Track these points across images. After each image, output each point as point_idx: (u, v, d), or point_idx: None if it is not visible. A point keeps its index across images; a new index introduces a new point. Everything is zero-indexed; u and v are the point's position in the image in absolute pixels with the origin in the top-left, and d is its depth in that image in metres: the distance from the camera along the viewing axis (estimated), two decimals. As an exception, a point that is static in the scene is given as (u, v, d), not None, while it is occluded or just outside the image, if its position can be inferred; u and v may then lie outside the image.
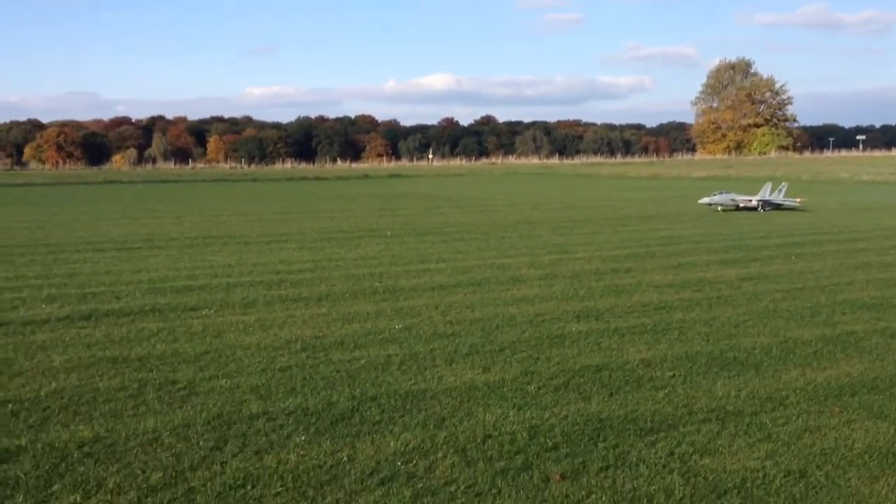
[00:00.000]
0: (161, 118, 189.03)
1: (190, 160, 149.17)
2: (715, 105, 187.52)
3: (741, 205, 48.17)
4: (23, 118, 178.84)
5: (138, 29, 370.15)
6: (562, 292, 20.47)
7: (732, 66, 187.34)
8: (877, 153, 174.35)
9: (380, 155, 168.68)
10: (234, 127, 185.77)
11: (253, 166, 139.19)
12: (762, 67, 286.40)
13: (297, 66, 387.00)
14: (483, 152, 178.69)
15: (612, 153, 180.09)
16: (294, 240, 32.65)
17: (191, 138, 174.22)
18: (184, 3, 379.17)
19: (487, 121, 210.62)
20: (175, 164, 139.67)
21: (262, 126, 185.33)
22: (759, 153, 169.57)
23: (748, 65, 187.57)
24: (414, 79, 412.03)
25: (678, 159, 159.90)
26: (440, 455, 9.86)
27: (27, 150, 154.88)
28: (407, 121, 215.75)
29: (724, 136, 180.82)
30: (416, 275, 23.27)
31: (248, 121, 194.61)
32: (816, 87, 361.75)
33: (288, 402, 11.73)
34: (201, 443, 10.18)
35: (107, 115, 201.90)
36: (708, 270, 24.16)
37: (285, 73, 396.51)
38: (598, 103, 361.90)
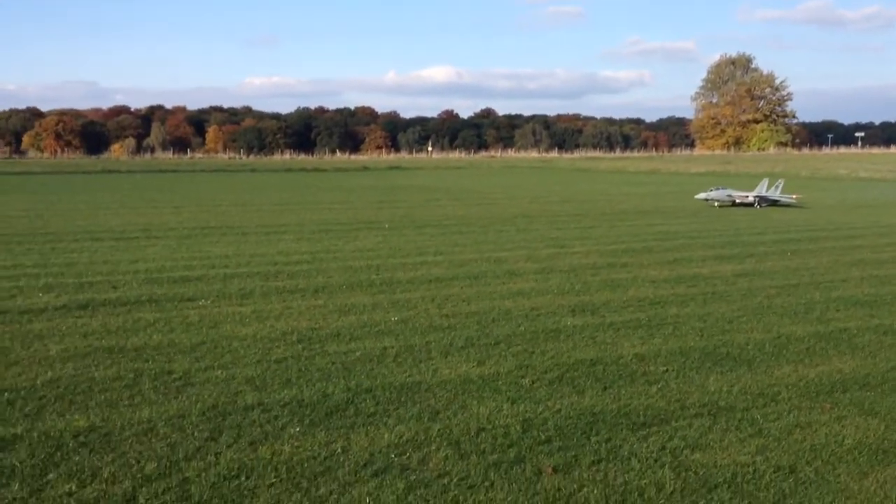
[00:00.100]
0: (160, 108, 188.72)
1: (189, 150, 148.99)
2: (714, 100, 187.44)
3: (738, 201, 48.21)
4: (22, 106, 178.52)
5: (138, 17, 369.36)
6: (558, 286, 20.54)
7: (733, 62, 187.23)
8: (875, 150, 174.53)
9: (379, 147, 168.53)
10: (233, 117, 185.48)
11: (252, 157, 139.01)
12: (763, 63, 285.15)
13: (297, 56, 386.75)
14: (482, 145, 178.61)
15: (611, 147, 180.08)
16: (292, 231, 32.69)
17: (190, 128, 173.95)
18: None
19: (487, 114, 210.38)
20: (174, 153, 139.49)
21: (262, 116, 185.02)
22: (758, 149, 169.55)
23: (748, 60, 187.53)
24: (414, 71, 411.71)
25: (677, 154, 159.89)
26: (434, 447, 9.93)
27: (26, 139, 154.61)
28: (407, 113, 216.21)
29: (723, 131, 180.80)
30: (414, 267, 23.33)
31: (247, 111, 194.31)
32: (817, 84, 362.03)
33: (283, 394, 11.80)
34: (196, 433, 10.25)
35: (106, 104, 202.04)
36: (703, 266, 24.23)
37: (285, 63, 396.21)
38: (597, 97, 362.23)
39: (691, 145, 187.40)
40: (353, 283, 20.61)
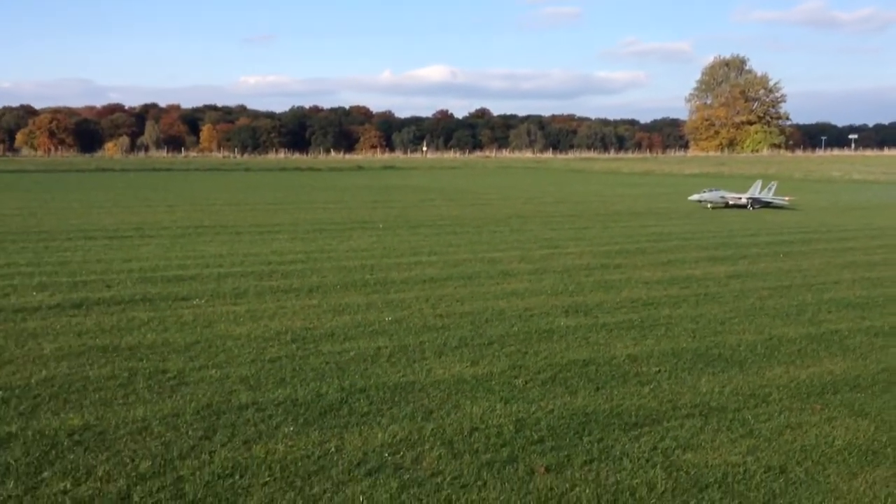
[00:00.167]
0: (154, 106, 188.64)
1: (183, 149, 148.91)
2: (709, 102, 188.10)
3: (731, 202, 48.38)
4: (15, 104, 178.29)
5: (134, 15, 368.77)
6: (551, 287, 20.61)
7: (727, 63, 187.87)
8: (869, 152, 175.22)
9: (374, 146, 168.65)
10: (227, 116, 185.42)
11: (246, 156, 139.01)
12: (758, 65, 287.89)
13: (292, 55, 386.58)
14: (477, 145, 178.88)
15: (605, 148, 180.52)
16: (286, 230, 32.71)
17: (184, 126, 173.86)
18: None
19: (482, 114, 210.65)
20: (168, 152, 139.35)
21: (256, 115, 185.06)
22: (752, 151, 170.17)
23: (742, 62, 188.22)
24: (409, 70, 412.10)
25: (671, 156, 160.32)
26: (427, 447, 9.99)
27: (19, 137, 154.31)
28: (401, 112, 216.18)
29: (717, 132, 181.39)
30: (408, 267, 23.38)
31: (241, 110, 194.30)
32: (811, 86, 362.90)
33: (277, 393, 11.84)
34: (190, 432, 10.29)
35: (100, 102, 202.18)
36: (696, 267, 24.33)
37: (280, 62, 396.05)
38: (592, 98, 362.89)
39: (685, 146, 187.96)
40: (347, 283, 20.66)
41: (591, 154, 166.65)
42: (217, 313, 16.98)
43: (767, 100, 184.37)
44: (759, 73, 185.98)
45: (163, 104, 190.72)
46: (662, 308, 18.30)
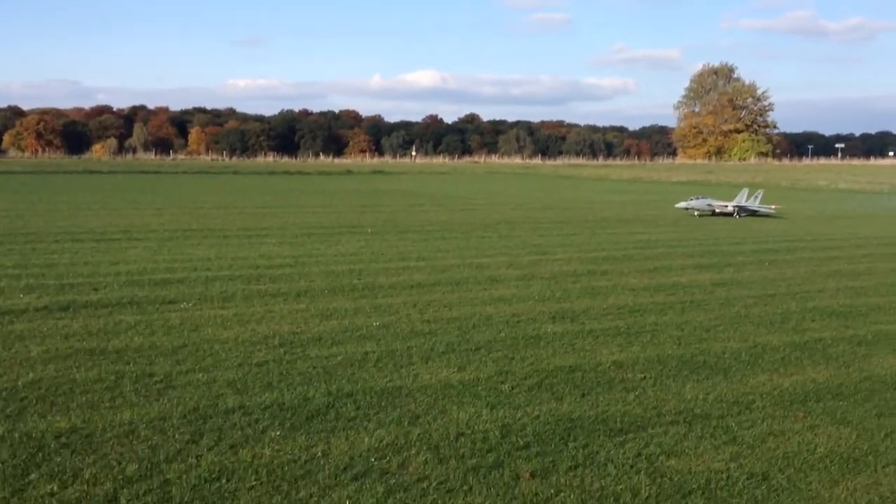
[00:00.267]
0: (143, 108, 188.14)
1: (171, 151, 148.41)
2: (697, 109, 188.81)
3: (717, 210, 48.66)
4: (3, 105, 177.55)
5: (123, 17, 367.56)
6: (539, 293, 20.71)
7: (715, 71, 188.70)
8: (855, 161, 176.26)
9: (363, 151, 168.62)
10: (216, 119, 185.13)
11: (234, 159, 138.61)
12: (746, 73, 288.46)
13: (282, 58, 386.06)
14: (466, 150, 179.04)
15: (594, 155, 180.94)
16: (274, 234, 32.70)
17: (172, 129, 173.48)
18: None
19: (472, 119, 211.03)
20: (155, 154, 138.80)
21: (245, 118, 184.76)
22: (740, 159, 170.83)
23: (731, 70, 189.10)
24: (400, 75, 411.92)
25: (659, 163, 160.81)
26: (413, 452, 10.05)
27: (6, 138, 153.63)
28: (391, 117, 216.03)
29: (704, 140, 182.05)
30: (396, 272, 23.44)
31: (230, 113, 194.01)
32: (799, 94, 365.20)
33: (264, 397, 11.88)
34: (177, 436, 10.31)
35: (88, 104, 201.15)
36: (682, 275, 24.49)
37: (270, 65, 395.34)
38: (581, 104, 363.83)
39: (673, 154, 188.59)
40: (335, 288, 20.70)
41: (580, 160, 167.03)
42: (204, 317, 16.99)
43: (755, 108, 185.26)
44: (747, 82, 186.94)
45: (151, 106, 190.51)
46: (648, 315, 18.43)
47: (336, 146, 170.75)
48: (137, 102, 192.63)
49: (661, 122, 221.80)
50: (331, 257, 26.36)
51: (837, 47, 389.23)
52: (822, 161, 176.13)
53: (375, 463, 9.68)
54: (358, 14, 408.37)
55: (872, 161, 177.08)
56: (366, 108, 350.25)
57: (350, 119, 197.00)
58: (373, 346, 14.90)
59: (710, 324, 17.72)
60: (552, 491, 9.15)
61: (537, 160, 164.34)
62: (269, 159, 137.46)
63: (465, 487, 9.15)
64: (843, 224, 45.66)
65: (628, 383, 13.17)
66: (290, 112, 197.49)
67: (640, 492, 9.20)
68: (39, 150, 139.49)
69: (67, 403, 11.36)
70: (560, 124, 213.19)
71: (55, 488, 8.75)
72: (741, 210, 48.59)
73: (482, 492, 9.06)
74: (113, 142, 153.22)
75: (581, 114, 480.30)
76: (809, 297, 21.26)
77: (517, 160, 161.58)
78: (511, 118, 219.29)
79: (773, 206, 50.53)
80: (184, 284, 20.64)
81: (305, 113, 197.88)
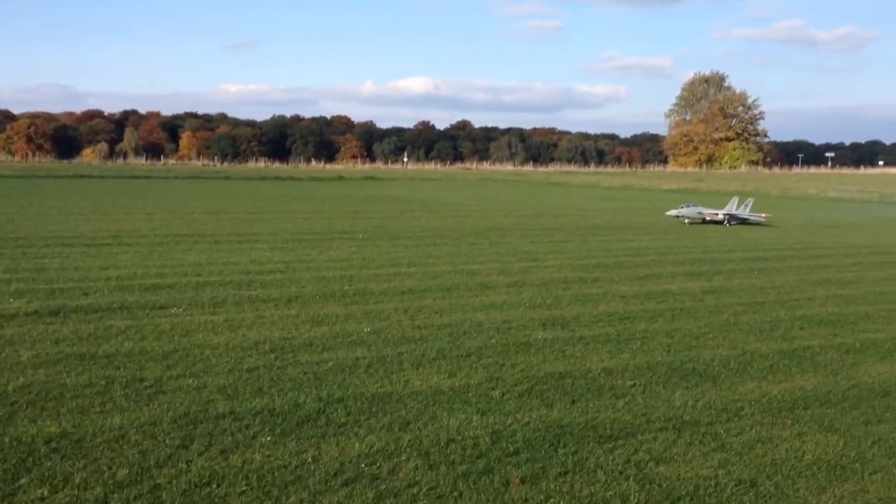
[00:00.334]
0: (134, 112, 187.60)
1: (162, 156, 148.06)
2: (688, 118, 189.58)
3: (707, 218, 48.86)
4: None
5: (114, 21, 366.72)
6: (530, 300, 20.77)
7: (706, 80, 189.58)
8: (845, 170, 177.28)
9: (354, 156, 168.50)
10: (207, 123, 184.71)
11: (226, 164, 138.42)
12: (738, 82, 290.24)
13: (274, 63, 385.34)
14: (458, 157, 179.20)
15: (585, 162, 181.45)
16: (265, 240, 32.69)
17: (163, 134, 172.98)
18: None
19: (463, 125, 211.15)
20: (146, 159, 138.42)
21: (237, 123, 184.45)
22: (730, 167, 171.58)
23: (721, 79, 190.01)
24: (392, 81, 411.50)
25: (650, 171, 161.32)
26: (404, 458, 10.08)
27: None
28: (383, 123, 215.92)
29: (695, 148, 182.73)
30: (387, 278, 23.47)
31: (222, 118, 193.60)
32: (790, 103, 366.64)
33: (255, 403, 11.89)
34: (167, 441, 10.32)
35: (79, 108, 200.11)
36: (673, 282, 24.59)
37: (262, 70, 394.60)
38: (573, 112, 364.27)
39: (664, 162, 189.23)
40: (326, 294, 20.71)
41: (572, 168, 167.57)
42: (195, 322, 16.99)
43: (746, 117, 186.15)
44: (737, 90, 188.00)
45: (142, 111, 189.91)
46: (638, 322, 18.51)
47: (328, 152, 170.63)
48: (129, 107, 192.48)
49: (653, 130, 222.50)
50: (322, 263, 26.37)
51: (828, 56, 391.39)
52: (812, 170, 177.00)
53: (366, 469, 9.71)
54: (350, 20, 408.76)
55: (862, 170, 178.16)
56: (358, 114, 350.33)
57: (342, 125, 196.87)
58: (364, 352, 14.93)
59: (699, 331, 17.81)
60: (542, 497, 9.19)
61: (529, 167, 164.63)
62: (260, 165, 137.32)
63: (456, 493, 9.18)
64: (833, 233, 45.91)
65: (618, 390, 13.23)
66: (282, 117, 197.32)
67: (630, 498, 9.25)
68: (30, 154, 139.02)
69: (58, 408, 11.35)
70: (552, 131, 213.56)
71: (46, 493, 8.75)
72: (731, 218, 48.81)
73: (472, 497, 9.10)
74: (104, 146, 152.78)
75: (572, 121, 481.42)
76: (798, 306, 21.38)
77: (509, 167, 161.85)
78: (503, 125, 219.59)
79: (763, 215, 50.77)
80: (174, 290, 20.63)
81: (297, 118, 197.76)
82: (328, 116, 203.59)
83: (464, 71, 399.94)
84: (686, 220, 48.69)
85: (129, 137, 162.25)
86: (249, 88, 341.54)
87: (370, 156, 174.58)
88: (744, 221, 49.38)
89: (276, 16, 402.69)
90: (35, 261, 24.86)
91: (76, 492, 8.81)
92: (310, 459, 9.91)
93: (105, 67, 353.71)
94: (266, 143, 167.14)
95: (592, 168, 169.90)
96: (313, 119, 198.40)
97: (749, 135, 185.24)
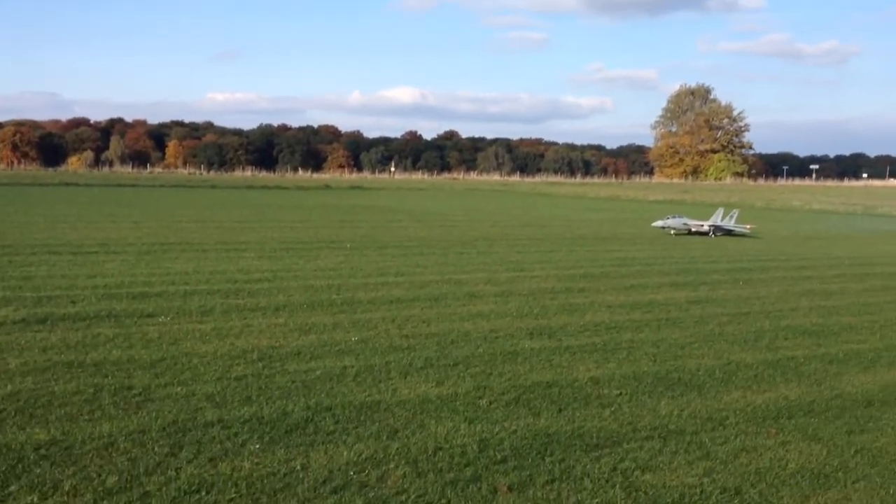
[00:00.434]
0: (120, 120, 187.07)
1: (148, 164, 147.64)
2: (674, 129, 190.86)
3: (693, 229, 49.15)
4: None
5: (101, 29, 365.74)
6: (517, 309, 20.88)
7: (692, 92, 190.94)
8: (829, 182, 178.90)
9: (341, 166, 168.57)
10: (194, 132, 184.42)
11: (212, 173, 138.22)
12: (724, 94, 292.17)
13: (261, 72, 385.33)
14: (445, 167, 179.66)
15: (572, 173, 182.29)
16: (253, 249, 32.67)
17: (150, 142, 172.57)
18: (150, 4, 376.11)
19: (451, 136, 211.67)
20: (133, 168, 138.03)
21: (223, 132, 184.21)
22: (715, 179, 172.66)
23: (707, 91, 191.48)
24: (379, 91, 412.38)
25: (636, 182, 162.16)
26: (392, 465, 10.14)
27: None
28: (370, 133, 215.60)
29: (681, 160, 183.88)
30: (374, 288, 23.53)
31: (208, 126, 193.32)
32: (775, 116, 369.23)
33: (243, 411, 11.93)
34: (157, 448, 10.35)
35: (65, 116, 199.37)
36: (658, 292, 24.76)
37: (249, 79, 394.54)
38: (560, 123, 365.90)
39: (650, 173, 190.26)
40: (313, 303, 20.75)
41: (558, 178, 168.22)
42: (183, 331, 17.00)
43: (731, 129, 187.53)
44: (723, 103, 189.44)
45: (129, 119, 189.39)
46: (624, 332, 18.64)
47: (315, 161, 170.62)
48: (115, 115, 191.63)
49: (639, 142, 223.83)
50: (309, 272, 26.41)
51: (813, 70, 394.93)
52: (797, 182, 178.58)
53: (354, 476, 9.77)
54: (337, 29, 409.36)
55: (846, 182, 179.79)
56: (345, 124, 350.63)
57: (329, 134, 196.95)
58: (351, 361, 14.99)
59: (684, 341, 17.96)
60: (529, 504, 9.27)
61: (516, 177, 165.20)
62: (247, 174, 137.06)
63: (444, 501, 9.26)
64: (817, 244, 46.29)
65: (604, 399, 13.34)
66: (269, 126, 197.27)
67: (616, 506, 9.34)
68: (15, 161, 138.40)
69: (46, 416, 11.36)
70: (538, 142, 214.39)
71: (35, 499, 8.77)
72: (717, 229, 49.13)
73: (460, 505, 9.17)
74: (90, 154, 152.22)
75: (559, 132, 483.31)
76: (782, 316, 21.58)
77: (496, 177, 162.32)
78: (490, 135, 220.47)
79: (747, 226, 51.14)
80: (162, 298, 20.62)
81: (284, 127, 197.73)
82: (315, 126, 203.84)
83: (451, 81, 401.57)
84: (672, 231, 48.97)
85: (116, 146, 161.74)
86: (236, 97, 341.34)
87: (357, 165, 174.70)
88: (729, 233, 49.72)
89: (264, 25, 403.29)
90: (22, 269, 24.78)
91: (66, 499, 8.83)
92: (298, 467, 9.96)
93: (91, 76, 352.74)
94: (253, 152, 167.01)
95: (579, 179, 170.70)
96: (300, 128, 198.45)
97: (734, 147, 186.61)
